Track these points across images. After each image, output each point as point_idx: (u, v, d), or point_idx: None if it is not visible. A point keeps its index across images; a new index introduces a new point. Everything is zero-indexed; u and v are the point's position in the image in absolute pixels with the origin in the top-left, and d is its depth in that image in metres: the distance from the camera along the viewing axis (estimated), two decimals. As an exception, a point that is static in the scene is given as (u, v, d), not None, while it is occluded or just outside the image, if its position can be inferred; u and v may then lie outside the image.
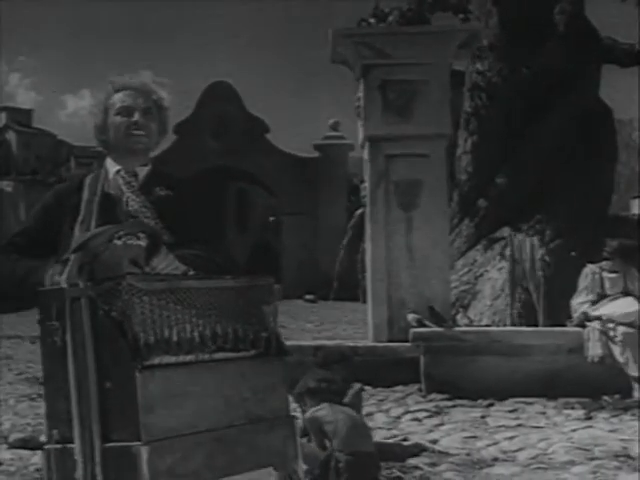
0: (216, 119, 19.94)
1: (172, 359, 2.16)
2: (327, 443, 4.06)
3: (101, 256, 2.20)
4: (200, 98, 20.55)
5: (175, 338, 2.19)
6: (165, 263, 2.35)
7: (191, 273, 2.38)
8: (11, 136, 28.65)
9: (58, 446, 2.18)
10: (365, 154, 7.66)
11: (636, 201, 26.79)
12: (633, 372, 6.29)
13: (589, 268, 6.92)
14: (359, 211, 7.95)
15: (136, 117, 2.67)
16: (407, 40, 7.40)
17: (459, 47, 7.52)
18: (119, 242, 2.25)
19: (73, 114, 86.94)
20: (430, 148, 7.40)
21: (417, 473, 4.42)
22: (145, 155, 2.73)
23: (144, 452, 2.07)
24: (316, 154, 20.85)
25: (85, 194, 2.61)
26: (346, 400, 4.37)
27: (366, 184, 7.60)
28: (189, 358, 2.20)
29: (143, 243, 2.31)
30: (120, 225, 2.37)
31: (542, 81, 10.69)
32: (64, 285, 2.20)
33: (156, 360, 2.13)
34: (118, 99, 2.70)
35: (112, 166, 2.69)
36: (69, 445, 2.15)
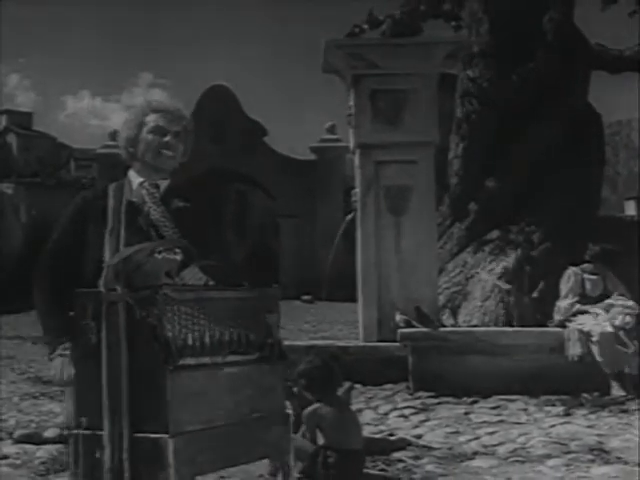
0: (214, 122, 20.12)
1: (193, 361, 2.44)
2: (319, 439, 4.31)
3: (143, 267, 2.47)
4: (198, 101, 20.72)
5: (198, 343, 2.47)
6: (191, 274, 2.64)
7: (210, 283, 2.66)
8: (11, 139, 28.73)
9: (87, 432, 2.45)
10: (356, 160, 7.93)
11: (630, 202, 26.89)
12: (609, 370, 6.58)
13: (571, 270, 7.21)
14: (350, 216, 8.19)
15: (168, 138, 2.93)
16: (396, 51, 7.66)
17: (446, 57, 7.79)
18: (159, 256, 2.53)
19: (72, 115, 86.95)
20: (418, 155, 7.67)
21: (400, 466, 4.66)
22: (167, 172, 2.98)
23: (171, 444, 2.34)
24: (313, 157, 21.05)
25: (110, 202, 2.85)
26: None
27: (357, 189, 7.86)
28: (206, 360, 2.48)
29: (178, 257, 2.59)
30: (161, 241, 2.66)
31: (532, 87, 10.90)
32: (102, 289, 2.46)
33: (183, 362, 2.41)
34: (153, 119, 2.94)
35: (135, 177, 2.94)
36: (97, 432, 2.41)
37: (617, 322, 6.73)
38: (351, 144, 8.05)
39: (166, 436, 2.35)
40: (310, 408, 4.28)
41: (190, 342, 2.45)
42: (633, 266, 9.10)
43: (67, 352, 2.73)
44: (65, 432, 5.11)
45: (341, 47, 7.77)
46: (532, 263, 8.36)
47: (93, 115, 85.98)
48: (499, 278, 8.75)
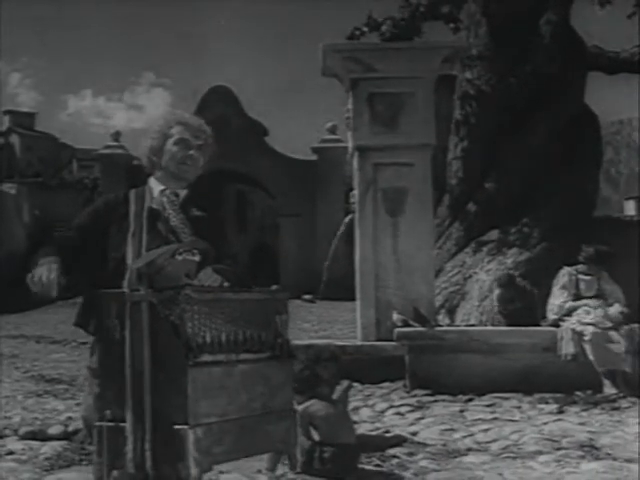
0: (216, 123, 20.16)
1: (210, 358, 2.60)
2: (314, 435, 4.46)
3: (165, 270, 2.64)
4: (200, 102, 20.87)
5: (215, 341, 2.65)
6: (207, 276, 2.80)
7: (225, 284, 2.82)
8: (14, 139, 28.86)
9: (110, 424, 2.61)
10: (354, 163, 8.05)
11: (630, 202, 27.04)
12: (602, 369, 6.70)
13: (565, 270, 7.33)
14: (348, 217, 8.32)
15: (192, 152, 3.09)
16: (393, 55, 7.79)
17: (443, 61, 7.91)
18: (180, 258, 2.69)
19: (74, 114, 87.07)
20: (415, 157, 7.79)
21: (395, 461, 4.77)
22: (188, 181, 3.15)
23: (191, 434, 2.51)
24: (314, 157, 21.17)
25: (132, 208, 3.01)
26: (335, 396, 4.73)
27: (355, 191, 7.99)
28: (222, 358, 2.65)
29: (197, 259, 2.75)
30: (181, 244, 2.83)
31: (529, 89, 11.00)
32: (126, 289, 2.63)
33: (201, 358, 2.58)
34: (178, 131, 3.11)
35: (156, 185, 3.10)
36: (120, 424, 2.58)
37: (611, 311, 6.89)
38: (349, 147, 8.18)
39: (186, 427, 2.51)
40: (302, 406, 4.42)
41: (208, 340, 2.62)
42: (632, 266, 9.20)
43: (49, 263, 2.85)
44: (69, 427, 5.26)
45: (339, 51, 7.89)
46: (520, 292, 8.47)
47: (95, 114, 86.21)
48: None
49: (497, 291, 8.60)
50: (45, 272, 2.85)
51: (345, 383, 4.91)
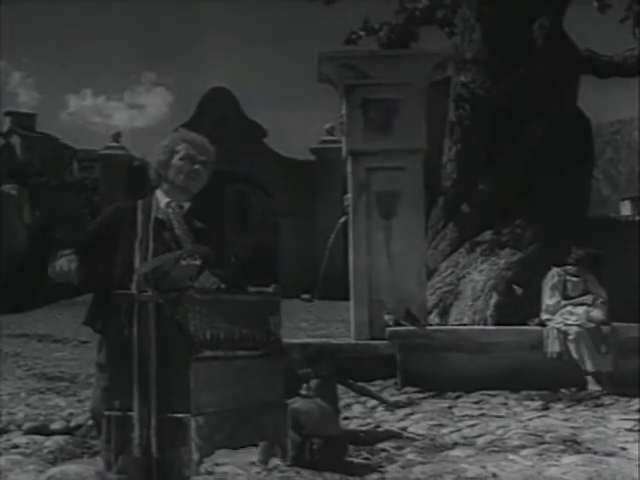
0: (215, 124, 20.41)
1: (210, 354, 2.85)
2: (303, 429, 4.69)
3: (170, 274, 2.91)
4: (199, 103, 21.05)
5: (215, 338, 2.90)
6: (205, 278, 3.05)
7: (222, 287, 3.08)
8: (15, 140, 28.97)
9: (119, 413, 2.87)
10: (348, 167, 8.25)
11: (626, 203, 27.09)
12: (586, 367, 6.91)
13: (554, 271, 7.53)
14: (342, 219, 8.51)
15: (197, 167, 3.36)
16: (386, 62, 7.99)
17: (435, 67, 8.11)
18: (184, 262, 2.94)
19: (75, 113, 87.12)
20: (408, 161, 7.99)
21: (383, 454, 4.97)
22: (191, 194, 3.42)
23: (193, 422, 2.77)
24: (313, 157, 21.36)
25: (140, 217, 3.26)
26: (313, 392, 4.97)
27: (349, 194, 8.19)
28: (220, 353, 2.90)
29: (198, 263, 3.00)
30: (184, 250, 3.09)
31: (523, 92, 11.15)
32: (134, 291, 2.90)
33: (203, 353, 2.83)
34: (184, 147, 3.39)
35: (163, 197, 3.36)
36: (128, 413, 2.84)
37: (593, 312, 7.10)
38: (343, 151, 8.37)
39: (189, 415, 2.77)
40: (290, 402, 4.65)
41: (208, 337, 2.88)
42: (629, 266, 9.37)
43: (68, 255, 3.14)
44: (71, 423, 5.48)
45: (334, 58, 8.09)
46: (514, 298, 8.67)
47: (96, 114, 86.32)
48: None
49: (495, 298, 8.79)
50: (65, 262, 3.12)
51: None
